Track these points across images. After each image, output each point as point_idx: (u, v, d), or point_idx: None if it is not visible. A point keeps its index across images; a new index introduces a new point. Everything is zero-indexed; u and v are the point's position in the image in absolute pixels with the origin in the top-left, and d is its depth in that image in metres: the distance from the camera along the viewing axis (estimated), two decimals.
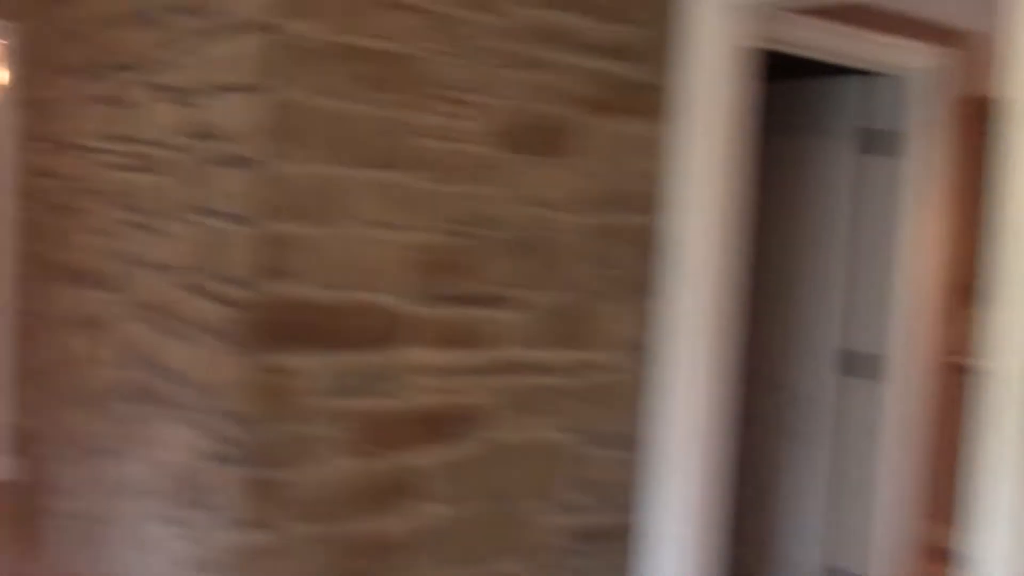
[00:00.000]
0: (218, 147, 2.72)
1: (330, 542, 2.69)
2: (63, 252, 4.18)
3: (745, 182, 3.50)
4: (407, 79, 2.66)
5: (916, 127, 4.11)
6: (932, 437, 4.37)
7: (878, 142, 4.20)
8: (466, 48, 2.75)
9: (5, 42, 4.81)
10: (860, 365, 4.22)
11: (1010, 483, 2.29)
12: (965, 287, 4.42)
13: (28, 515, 4.58)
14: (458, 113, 2.76)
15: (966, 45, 4.24)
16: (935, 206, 4.19)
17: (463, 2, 2.73)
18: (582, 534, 3.14)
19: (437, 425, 2.83)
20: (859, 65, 3.97)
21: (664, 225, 3.20)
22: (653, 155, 3.16)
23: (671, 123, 3.18)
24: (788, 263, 4.48)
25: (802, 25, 3.58)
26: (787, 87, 4.45)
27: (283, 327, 2.57)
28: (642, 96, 3.11)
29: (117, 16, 3.54)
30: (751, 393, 4.52)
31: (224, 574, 2.68)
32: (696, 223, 3.16)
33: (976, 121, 4.41)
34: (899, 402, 4.14)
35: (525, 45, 2.85)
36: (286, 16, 2.48)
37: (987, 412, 2.35)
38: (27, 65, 4.83)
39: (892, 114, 4.17)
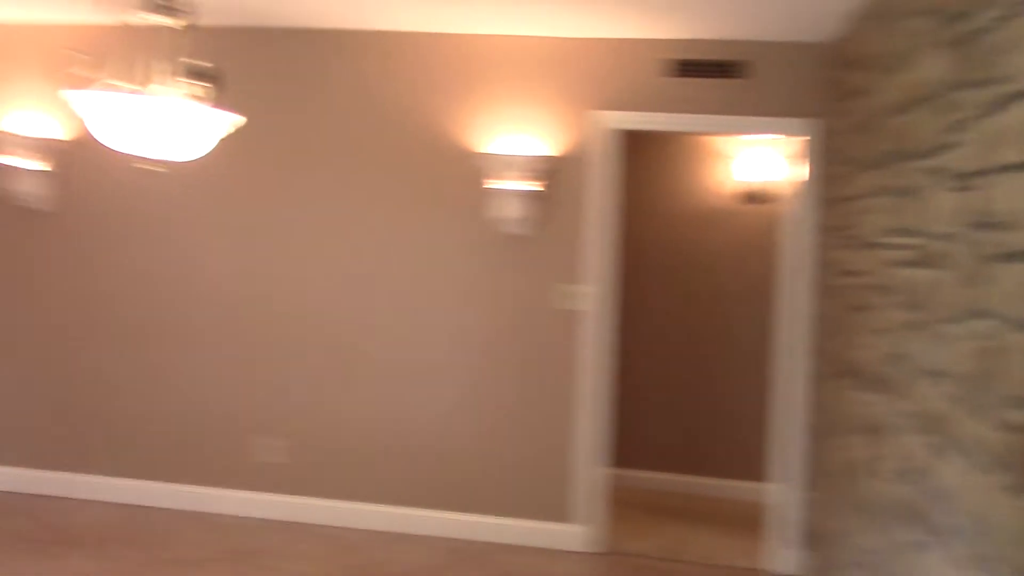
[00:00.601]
0: (996, 237, 2.28)
1: None
2: (850, 351, 4.02)
3: None
4: None
5: None
6: None
7: None
8: None
9: (806, 138, 4.90)
10: None
11: None
12: None
13: None
14: None
15: None
16: None
17: None
18: None
19: None
20: None
21: None
22: None
23: None
24: None
25: None
26: None
27: None
28: None
29: (904, 102, 3.30)
30: None
31: None
32: None
33: None
34: None
35: None
36: None
37: None
38: (822, 161, 4.86)
39: None
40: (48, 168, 5.42)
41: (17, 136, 5.37)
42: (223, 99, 3.37)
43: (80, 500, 5.46)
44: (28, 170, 5.39)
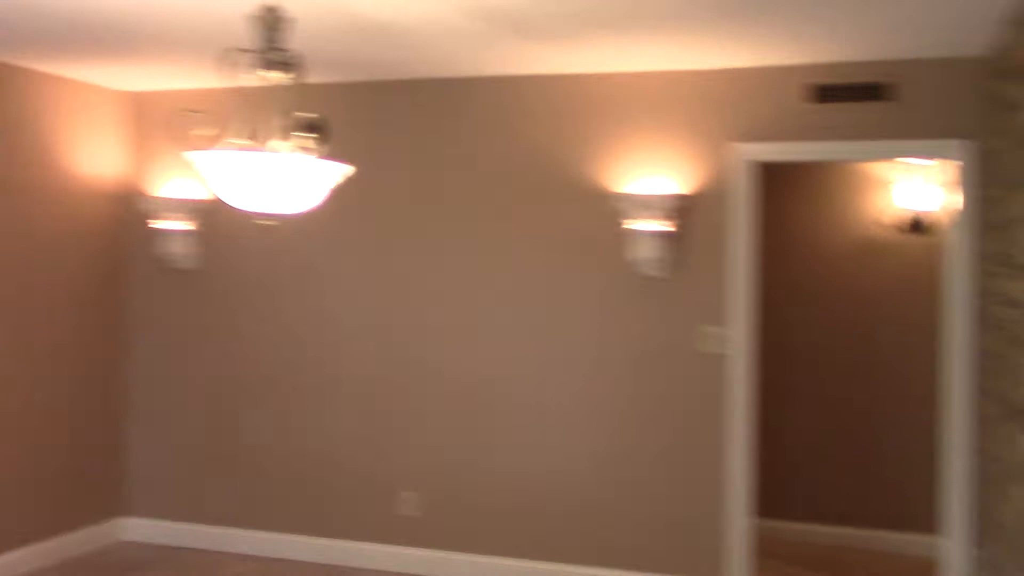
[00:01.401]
0: None
1: None
2: (1018, 389, 3.62)
3: None
4: None
5: None
6: None
7: None
8: None
9: (962, 160, 4.52)
10: None
11: None
12: None
13: None
14: None
15: None
16: None
17: None
18: None
19: None
20: None
21: None
22: None
23: None
24: None
25: None
26: None
27: None
28: None
29: None
30: None
31: None
32: None
33: None
34: None
35: None
36: None
37: None
38: (980, 183, 4.47)
39: None
40: (192, 228, 5.61)
41: (164, 200, 5.59)
42: (331, 149, 3.35)
43: (221, 552, 5.55)
44: (175, 231, 5.60)
